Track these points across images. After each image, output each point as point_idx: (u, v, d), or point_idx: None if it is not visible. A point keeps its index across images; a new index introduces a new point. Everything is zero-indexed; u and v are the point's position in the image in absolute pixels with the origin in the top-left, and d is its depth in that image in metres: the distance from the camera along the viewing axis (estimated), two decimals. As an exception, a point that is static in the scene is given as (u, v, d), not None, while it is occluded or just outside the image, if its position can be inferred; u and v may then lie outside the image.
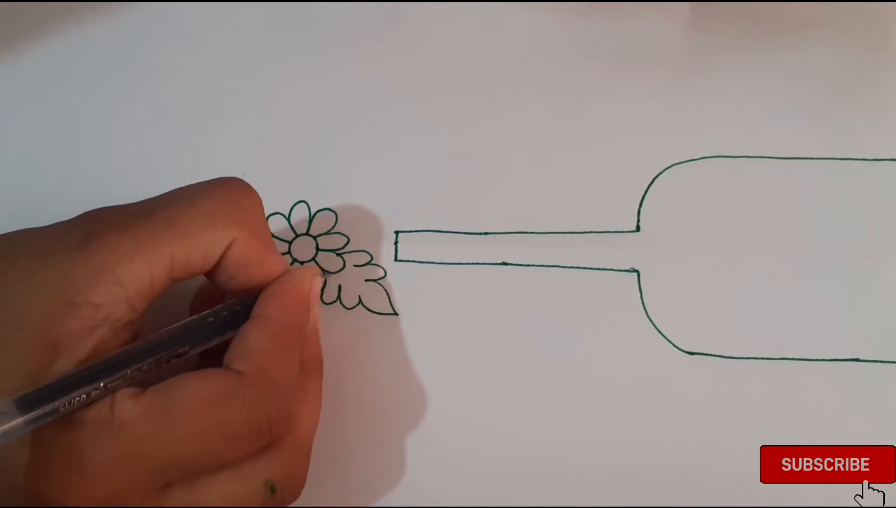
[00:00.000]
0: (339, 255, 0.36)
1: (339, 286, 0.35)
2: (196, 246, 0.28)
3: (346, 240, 0.36)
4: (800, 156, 0.37)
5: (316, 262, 0.36)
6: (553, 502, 0.33)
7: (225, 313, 0.30)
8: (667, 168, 0.36)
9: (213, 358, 0.29)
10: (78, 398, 0.26)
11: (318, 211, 0.36)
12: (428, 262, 0.36)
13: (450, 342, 0.35)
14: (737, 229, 0.36)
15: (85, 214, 0.29)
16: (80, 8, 0.38)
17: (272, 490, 0.28)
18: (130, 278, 0.27)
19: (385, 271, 0.35)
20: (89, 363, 0.26)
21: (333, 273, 0.35)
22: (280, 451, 0.29)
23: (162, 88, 0.38)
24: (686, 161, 0.37)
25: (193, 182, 0.30)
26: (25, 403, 0.25)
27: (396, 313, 0.35)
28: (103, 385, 0.26)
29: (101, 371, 0.26)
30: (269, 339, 0.29)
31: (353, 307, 0.35)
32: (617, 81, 0.38)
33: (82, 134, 0.37)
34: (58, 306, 0.26)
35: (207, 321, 0.29)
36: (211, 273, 0.30)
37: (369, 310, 0.35)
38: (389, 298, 0.35)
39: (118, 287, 0.27)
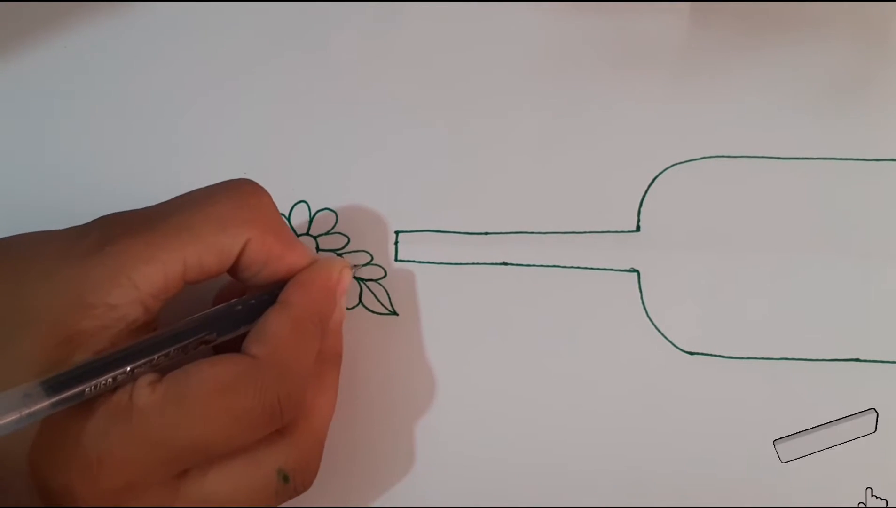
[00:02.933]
0: (339, 255, 0.36)
1: (340, 286, 0.35)
2: (209, 249, 0.28)
3: (346, 240, 0.36)
4: (800, 156, 0.36)
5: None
6: (553, 501, 0.33)
7: (253, 301, 0.30)
8: (667, 168, 0.36)
9: (235, 346, 0.29)
10: (104, 382, 0.26)
11: (318, 211, 0.36)
12: (428, 262, 0.36)
13: (450, 342, 0.35)
14: (737, 229, 0.36)
15: (100, 218, 0.29)
16: (80, 8, 0.38)
17: (285, 478, 0.28)
18: (145, 281, 0.27)
19: (385, 271, 0.35)
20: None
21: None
22: (293, 439, 0.29)
23: (162, 88, 0.38)
24: (686, 161, 0.36)
25: (194, 181, 0.30)
26: (52, 385, 0.25)
27: (396, 313, 0.35)
28: (129, 370, 0.26)
29: (128, 356, 0.27)
30: (288, 325, 0.29)
31: (354, 307, 0.35)
32: (617, 80, 0.37)
33: (82, 134, 0.37)
34: (74, 306, 0.26)
35: (236, 309, 0.30)
36: (234, 274, 0.30)
37: (369, 310, 0.35)
38: (389, 298, 0.35)
39: (133, 289, 0.27)
